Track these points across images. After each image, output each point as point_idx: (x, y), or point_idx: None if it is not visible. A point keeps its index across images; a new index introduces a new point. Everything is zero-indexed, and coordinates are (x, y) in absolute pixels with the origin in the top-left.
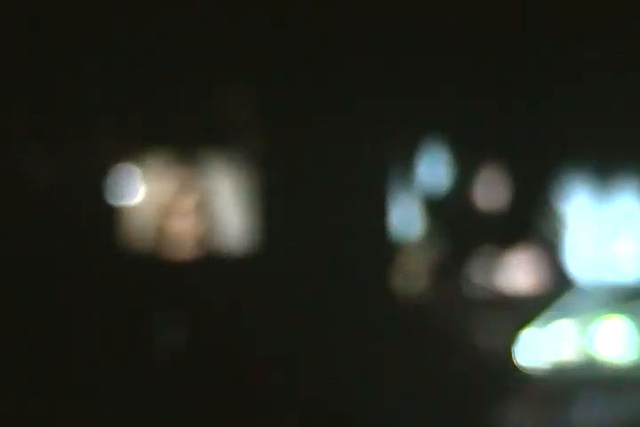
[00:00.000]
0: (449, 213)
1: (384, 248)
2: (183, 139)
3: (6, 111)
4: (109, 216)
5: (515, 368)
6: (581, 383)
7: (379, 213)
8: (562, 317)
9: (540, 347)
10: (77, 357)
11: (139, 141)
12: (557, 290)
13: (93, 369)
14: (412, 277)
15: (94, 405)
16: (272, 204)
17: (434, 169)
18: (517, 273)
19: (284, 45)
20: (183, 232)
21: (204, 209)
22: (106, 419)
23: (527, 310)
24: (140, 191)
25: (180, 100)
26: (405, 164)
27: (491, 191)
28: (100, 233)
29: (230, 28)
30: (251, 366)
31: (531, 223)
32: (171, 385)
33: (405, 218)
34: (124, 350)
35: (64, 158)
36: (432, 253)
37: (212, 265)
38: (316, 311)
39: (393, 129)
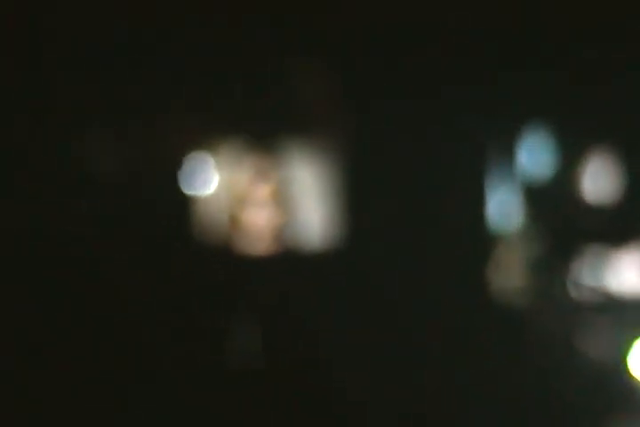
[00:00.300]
0: (553, 206)
1: (481, 244)
2: (260, 125)
3: (78, 98)
4: (183, 206)
5: (627, 379)
6: None
7: (475, 205)
8: None
9: None
10: (146, 354)
11: (213, 128)
12: None
13: (163, 369)
14: (512, 275)
15: (166, 406)
16: (357, 194)
17: (537, 156)
18: (629, 273)
19: (373, 27)
20: (260, 224)
21: (282, 200)
22: (179, 418)
23: None
24: (214, 181)
25: (255, 85)
26: (505, 150)
27: (600, 181)
28: (173, 224)
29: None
30: (332, 368)
31: None
32: (244, 388)
33: (505, 211)
34: (194, 348)
35: (136, 147)
36: (534, 249)
37: (290, 260)
38: (404, 312)
39: (492, 113)
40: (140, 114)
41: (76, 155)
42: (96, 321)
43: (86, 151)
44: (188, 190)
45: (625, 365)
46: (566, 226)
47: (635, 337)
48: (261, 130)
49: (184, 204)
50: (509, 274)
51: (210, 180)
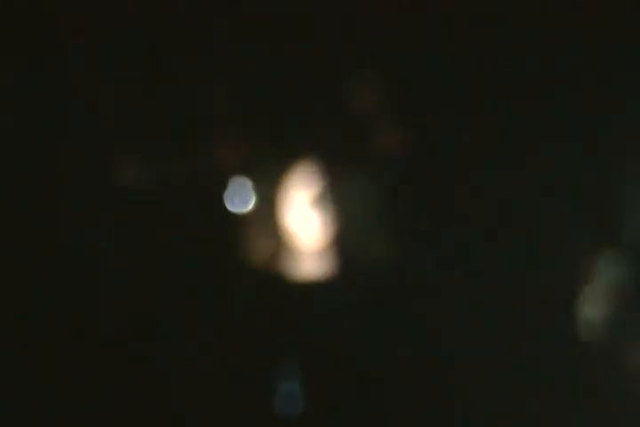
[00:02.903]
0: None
1: (566, 273)
2: (307, 140)
3: (122, 120)
4: (226, 226)
5: None
6: None
7: (554, 228)
8: None
9: None
10: (186, 389)
11: (256, 146)
12: None
13: (203, 407)
14: (598, 306)
15: None
16: (414, 213)
17: None
18: None
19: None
20: (306, 244)
21: (330, 218)
22: None
23: None
24: (258, 200)
25: (307, 95)
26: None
27: None
28: (218, 244)
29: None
30: (395, 402)
31: None
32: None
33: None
34: (241, 375)
35: (181, 165)
36: (620, 277)
37: (340, 281)
38: (471, 344)
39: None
40: (185, 133)
41: (119, 177)
42: (134, 344)
43: (129, 174)
44: (231, 209)
45: None
46: None
47: None
48: (309, 145)
49: (227, 223)
50: (596, 305)
51: (252, 197)
